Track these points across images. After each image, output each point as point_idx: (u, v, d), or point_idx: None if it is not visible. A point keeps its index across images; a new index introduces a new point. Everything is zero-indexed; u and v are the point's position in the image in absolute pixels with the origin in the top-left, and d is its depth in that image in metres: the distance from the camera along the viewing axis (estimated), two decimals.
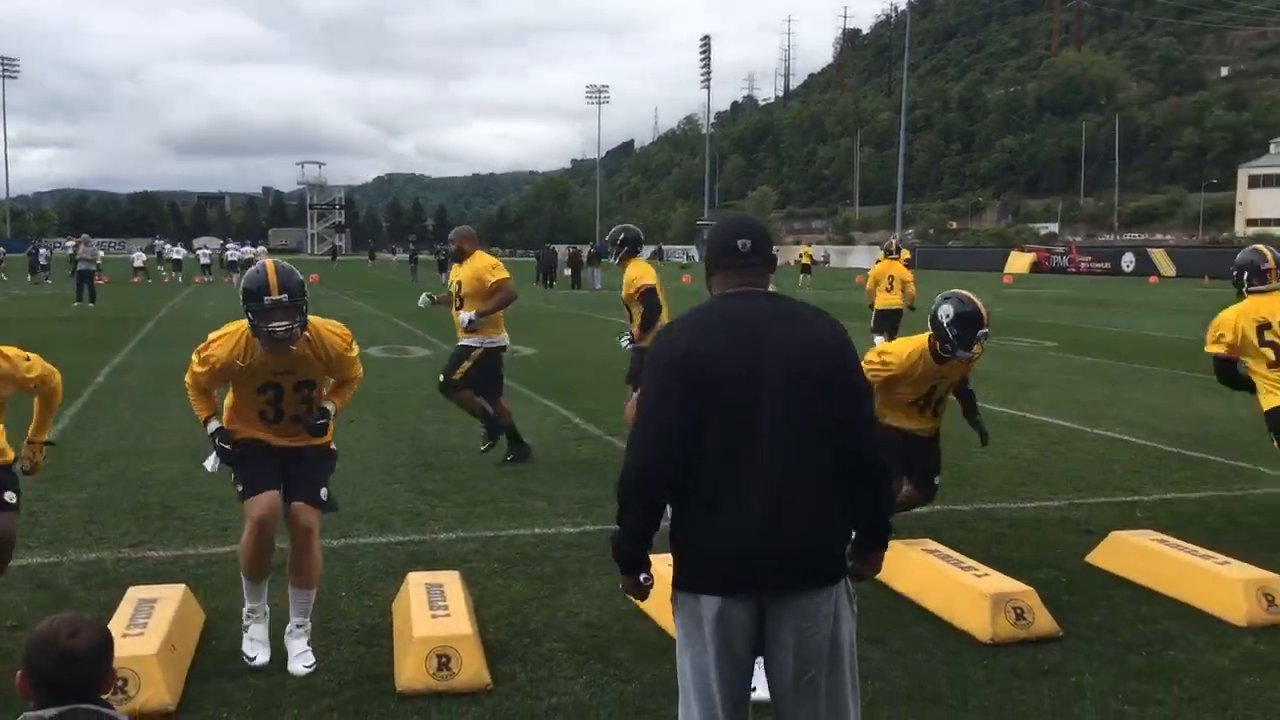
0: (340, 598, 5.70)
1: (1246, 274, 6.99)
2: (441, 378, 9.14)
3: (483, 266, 8.97)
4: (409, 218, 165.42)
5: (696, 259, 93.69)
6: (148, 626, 4.64)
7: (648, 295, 8.58)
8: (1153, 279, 55.75)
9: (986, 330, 6.00)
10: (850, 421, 2.95)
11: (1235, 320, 6.84)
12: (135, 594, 5.12)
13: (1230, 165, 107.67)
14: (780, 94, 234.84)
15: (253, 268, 4.88)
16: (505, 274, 8.98)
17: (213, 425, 5.02)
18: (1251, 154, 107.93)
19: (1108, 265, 63.01)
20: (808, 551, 2.90)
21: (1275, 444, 6.89)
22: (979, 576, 5.51)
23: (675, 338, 2.96)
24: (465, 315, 8.86)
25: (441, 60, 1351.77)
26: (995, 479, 8.61)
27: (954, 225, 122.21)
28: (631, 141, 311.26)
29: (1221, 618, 5.45)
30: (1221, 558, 5.94)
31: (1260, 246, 7.28)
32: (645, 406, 2.95)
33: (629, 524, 2.97)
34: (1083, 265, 65.46)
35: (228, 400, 5.09)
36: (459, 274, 9.06)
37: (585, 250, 49.00)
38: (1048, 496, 8.07)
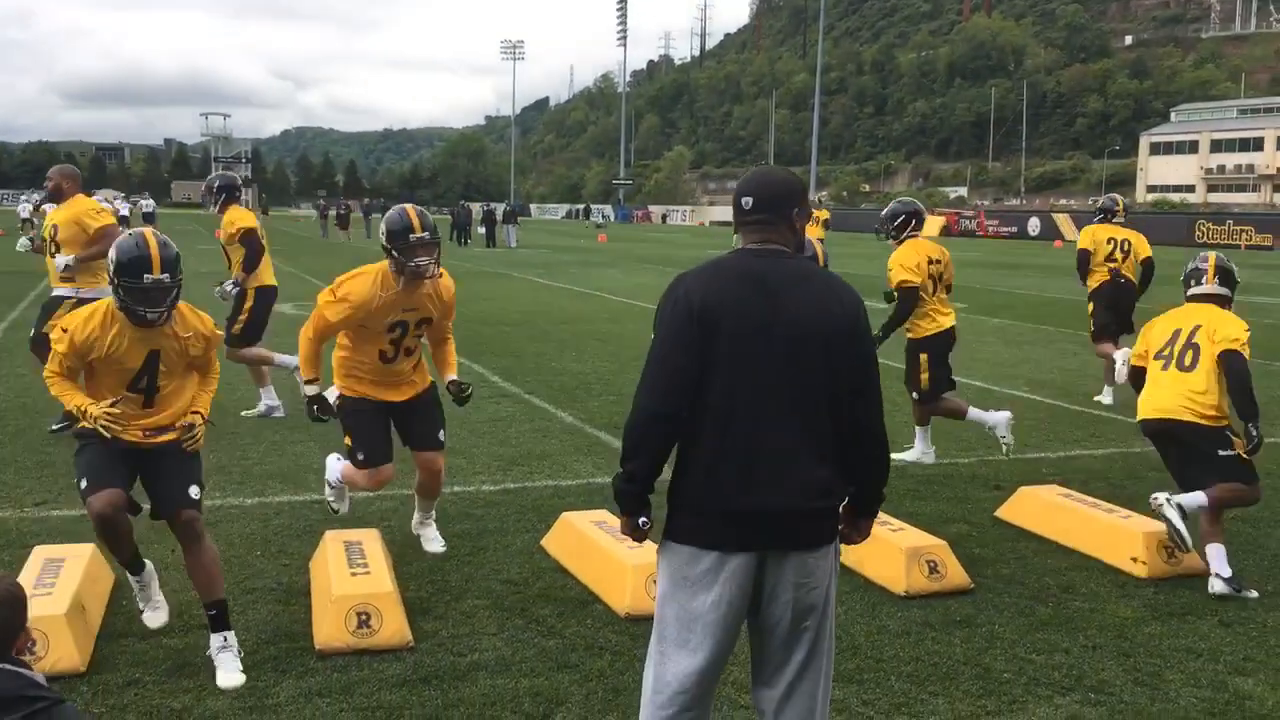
0: (256, 556, 5.61)
1: (914, 221, 7.98)
2: (32, 331, 8.58)
3: (84, 210, 8.32)
4: (318, 173, 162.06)
5: (611, 219, 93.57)
6: (56, 586, 4.51)
7: (248, 236, 8.93)
8: (1057, 243, 57.04)
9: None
10: (860, 388, 2.96)
11: (917, 258, 7.80)
12: (42, 554, 4.98)
13: (1132, 132, 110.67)
14: (696, 54, 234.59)
15: (395, 209, 5.37)
16: (111, 220, 8.38)
17: (312, 389, 5.47)
18: (1153, 121, 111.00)
19: (1014, 229, 64.23)
20: (809, 512, 2.92)
21: (919, 367, 8.01)
22: (894, 531, 5.61)
23: (693, 287, 2.91)
24: (62, 259, 8.21)
25: (351, 10, 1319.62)
26: (909, 436, 8.75)
27: (866, 188, 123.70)
28: (547, 99, 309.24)
29: (1124, 569, 5.64)
30: (1124, 511, 6.15)
31: (909, 198, 8.54)
32: (658, 353, 2.90)
33: (634, 469, 2.93)
34: (990, 229, 66.74)
35: (341, 352, 5.54)
36: (55, 216, 8.42)
37: (500, 208, 48.48)
38: (959, 454, 8.25)
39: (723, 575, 2.89)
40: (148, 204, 56.22)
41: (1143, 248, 10.50)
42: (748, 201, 3.03)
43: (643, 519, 3.02)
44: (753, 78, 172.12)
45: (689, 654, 2.94)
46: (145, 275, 4.21)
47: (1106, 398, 10.43)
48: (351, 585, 4.68)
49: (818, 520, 2.96)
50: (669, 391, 2.87)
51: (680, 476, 2.95)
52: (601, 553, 5.27)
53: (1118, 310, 10.33)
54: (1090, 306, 10.60)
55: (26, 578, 4.65)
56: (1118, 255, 10.38)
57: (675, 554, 2.96)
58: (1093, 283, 10.53)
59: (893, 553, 5.37)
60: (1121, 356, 9.29)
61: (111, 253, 4.32)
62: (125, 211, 50.76)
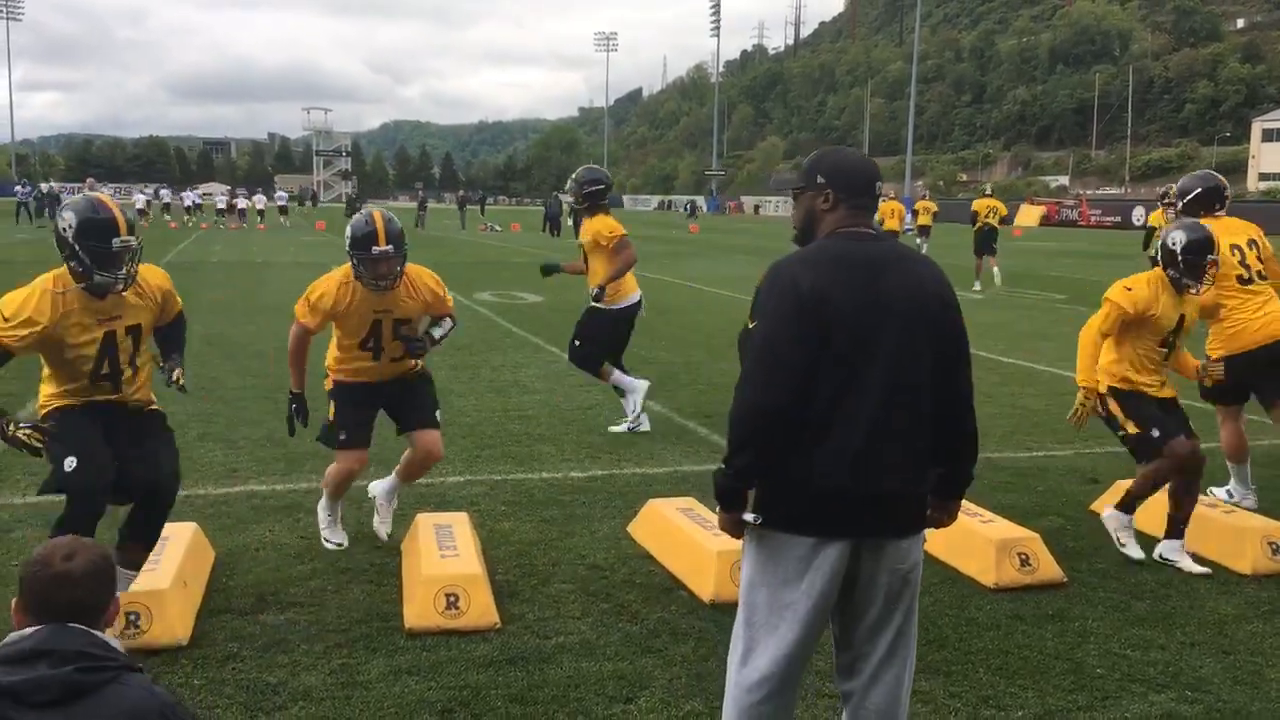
0: (350, 538, 5.74)
1: None
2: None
3: None
4: (415, 165, 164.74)
5: (704, 209, 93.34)
6: (160, 563, 4.67)
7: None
8: None
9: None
10: (956, 367, 2.96)
11: None
12: None
13: (1243, 119, 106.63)
14: (790, 43, 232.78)
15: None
16: None
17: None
18: (1265, 107, 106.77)
19: (1118, 219, 62.54)
20: (906, 498, 2.91)
21: None
22: (984, 523, 5.52)
23: (800, 274, 2.85)
24: None
25: (448, 4, 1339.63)
26: (1003, 428, 8.61)
27: (964, 177, 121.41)
28: (640, 90, 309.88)
29: (1226, 565, 5.47)
30: (1226, 506, 5.96)
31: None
32: (765, 343, 2.84)
33: (739, 464, 2.87)
34: (1093, 219, 65.06)
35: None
36: None
37: None
38: (1054, 446, 8.08)
39: (816, 562, 2.86)
40: (258, 199, 59.04)
41: (1002, 209, 23.13)
42: (881, 188, 3.07)
43: (749, 515, 2.94)
44: (847, 66, 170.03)
45: (777, 641, 2.92)
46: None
47: (976, 287, 21.08)
48: (441, 567, 4.77)
49: (916, 504, 2.95)
50: (778, 384, 2.80)
51: (779, 461, 2.88)
52: (687, 539, 5.29)
53: (988, 239, 21.97)
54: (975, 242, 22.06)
55: None
56: (992, 216, 22.29)
57: (768, 539, 2.92)
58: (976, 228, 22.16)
59: (983, 544, 5.29)
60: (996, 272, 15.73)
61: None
62: (243, 205, 52.98)
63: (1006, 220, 25.53)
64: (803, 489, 2.86)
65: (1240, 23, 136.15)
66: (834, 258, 2.90)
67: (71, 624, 2.27)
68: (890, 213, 27.79)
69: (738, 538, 3.07)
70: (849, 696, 3.06)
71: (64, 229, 4.26)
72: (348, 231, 5.30)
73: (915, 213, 29.98)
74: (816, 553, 2.86)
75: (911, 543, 2.95)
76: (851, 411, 2.82)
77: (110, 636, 2.37)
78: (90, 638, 2.27)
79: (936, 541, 5.58)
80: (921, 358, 2.88)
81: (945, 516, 3.16)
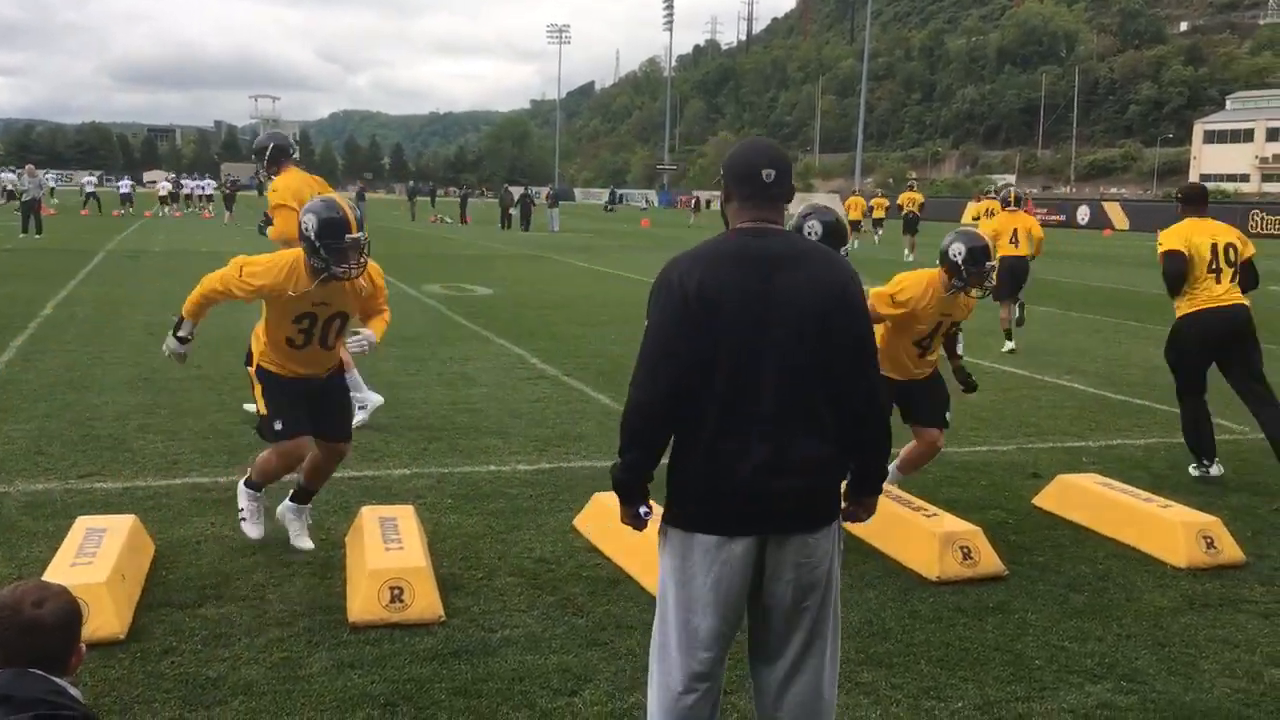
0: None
1: None
2: None
3: None
4: (365, 156, 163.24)
5: (656, 204, 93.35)
6: (97, 555, 4.60)
7: None
8: (1106, 232, 56.27)
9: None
10: (855, 363, 2.92)
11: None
12: (84, 523, 5.06)
13: (1186, 120, 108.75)
14: (743, 38, 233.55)
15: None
16: None
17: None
18: (1207, 109, 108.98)
19: (1063, 217, 63.40)
20: (808, 493, 2.88)
21: None
22: (928, 516, 5.58)
23: (688, 272, 2.84)
24: None
25: None
26: None
27: (913, 174, 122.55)
28: (592, 83, 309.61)
29: (1162, 559, 5.57)
30: (1163, 501, 6.06)
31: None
32: (651, 340, 2.84)
33: (631, 460, 2.92)
34: (1038, 217, 65.88)
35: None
36: None
37: (544, 192, 48.54)
38: (997, 441, 8.18)
39: (721, 558, 2.85)
40: (191, 185, 56.32)
41: (920, 198, 31.91)
42: (770, 174, 2.90)
43: (644, 509, 3.01)
44: (799, 63, 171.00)
45: (690, 637, 2.91)
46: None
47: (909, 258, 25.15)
48: (385, 560, 4.73)
49: (818, 499, 2.92)
50: (661, 376, 2.81)
51: (679, 460, 2.90)
52: (633, 532, 5.27)
53: (910, 224, 30.69)
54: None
55: (69, 546, 4.76)
56: (912, 205, 30.80)
57: (674, 539, 2.93)
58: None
59: (926, 538, 5.34)
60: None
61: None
62: (210, 191, 52.14)
63: (925, 208, 32.25)
64: (703, 488, 2.86)
65: (1184, 26, 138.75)
66: (724, 254, 2.88)
67: (32, 669, 2.23)
68: (853, 205, 35.78)
69: (640, 530, 3.11)
70: (765, 690, 3.03)
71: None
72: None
73: (871, 207, 37.56)
74: (721, 549, 2.85)
75: (819, 539, 2.91)
76: (748, 410, 2.81)
77: (69, 684, 2.32)
78: (50, 684, 2.23)
79: (880, 535, 5.65)
80: (820, 357, 2.85)
81: (862, 512, 3.14)
